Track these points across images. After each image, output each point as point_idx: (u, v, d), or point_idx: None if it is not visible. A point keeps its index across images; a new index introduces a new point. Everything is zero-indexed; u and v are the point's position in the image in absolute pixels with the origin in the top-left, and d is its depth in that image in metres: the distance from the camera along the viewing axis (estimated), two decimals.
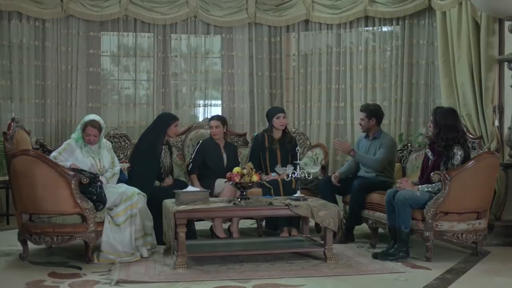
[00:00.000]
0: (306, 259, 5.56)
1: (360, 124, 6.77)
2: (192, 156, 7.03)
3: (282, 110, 7.12)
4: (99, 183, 5.54)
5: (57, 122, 8.36)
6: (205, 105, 8.90)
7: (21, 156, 5.49)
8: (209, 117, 8.09)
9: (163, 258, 5.61)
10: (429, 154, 5.83)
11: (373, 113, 6.68)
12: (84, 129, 5.76)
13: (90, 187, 5.47)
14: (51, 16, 8.22)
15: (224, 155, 7.03)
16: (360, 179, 6.57)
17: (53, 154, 5.74)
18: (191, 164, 6.98)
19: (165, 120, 6.65)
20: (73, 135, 5.86)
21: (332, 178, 6.63)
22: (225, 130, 7.16)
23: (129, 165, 6.51)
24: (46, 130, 8.26)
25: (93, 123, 5.77)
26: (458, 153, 5.61)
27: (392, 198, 5.65)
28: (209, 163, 6.96)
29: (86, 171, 5.58)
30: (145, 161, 6.36)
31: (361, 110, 6.80)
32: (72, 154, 5.71)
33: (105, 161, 5.87)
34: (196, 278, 4.96)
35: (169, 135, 6.63)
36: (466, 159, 5.64)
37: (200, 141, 7.14)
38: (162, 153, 6.52)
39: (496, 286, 4.84)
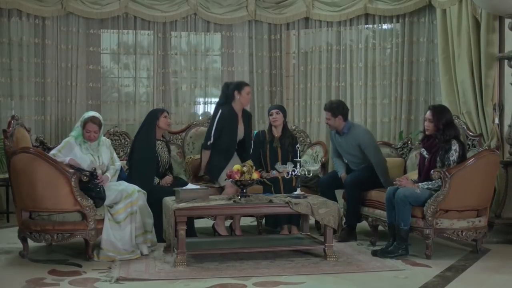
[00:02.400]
0: (306, 257, 5.57)
1: (328, 124, 6.73)
2: (214, 128, 6.64)
3: (275, 107, 7.14)
4: (97, 180, 5.53)
5: (57, 120, 8.36)
6: (205, 103, 8.91)
7: (21, 153, 5.48)
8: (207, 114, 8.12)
9: (163, 256, 5.61)
10: (424, 153, 5.84)
11: (338, 110, 6.62)
12: (84, 126, 5.75)
13: (88, 184, 5.47)
14: (51, 13, 8.22)
15: (241, 127, 6.75)
16: (352, 174, 6.56)
17: (53, 152, 5.73)
18: (212, 138, 6.63)
19: (153, 114, 6.67)
20: (72, 133, 5.85)
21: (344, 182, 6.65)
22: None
23: (127, 167, 6.49)
24: (46, 128, 8.27)
25: (93, 120, 5.77)
26: (453, 148, 5.61)
27: (392, 195, 5.65)
28: (224, 135, 6.65)
29: (83, 169, 5.56)
30: (142, 156, 6.38)
31: (325, 109, 6.72)
32: (71, 151, 5.71)
33: (104, 158, 5.87)
34: (196, 275, 4.96)
35: (161, 126, 6.60)
36: (462, 153, 5.64)
37: (220, 110, 6.71)
38: (159, 148, 6.54)
39: (496, 283, 4.84)
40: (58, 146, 5.84)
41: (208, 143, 6.65)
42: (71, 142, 5.75)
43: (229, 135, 6.65)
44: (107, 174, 5.77)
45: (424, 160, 5.81)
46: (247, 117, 6.88)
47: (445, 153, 5.63)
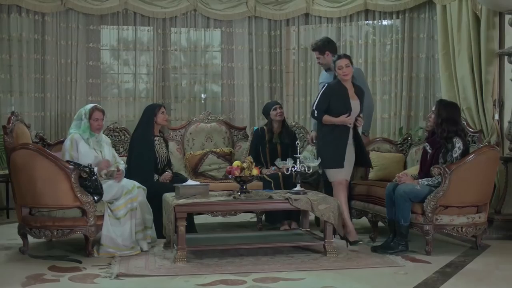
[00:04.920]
0: (306, 253, 5.57)
1: (320, 63, 6.74)
2: (316, 101, 6.07)
3: (277, 103, 7.16)
4: (94, 176, 5.53)
5: (57, 116, 8.36)
6: (205, 99, 8.90)
7: (20, 150, 5.48)
8: (208, 111, 8.10)
9: (163, 252, 5.61)
10: (428, 148, 5.83)
11: (325, 47, 6.61)
12: (91, 115, 5.76)
13: (85, 180, 5.47)
14: (50, 9, 8.22)
15: (356, 102, 6.05)
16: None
17: (67, 158, 5.62)
18: (315, 111, 6.04)
19: (151, 110, 6.62)
20: (74, 130, 5.78)
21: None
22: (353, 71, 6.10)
23: (126, 164, 6.47)
24: (45, 124, 8.27)
25: (98, 108, 5.85)
26: (457, 145, 5.60)
27: (392, 192, 5.64)
28: (333, 109, 6.00)
29: (81, 165, 5.55)
30: (140, 153, 6.37)
31: (313, 50, 6.76)
32: (77, 147, 5.69)
33: (106, 153, 5.87)
34: (196, 271, 4.95)
35: (159, 123, 6.57)
36: (465, 152, 5.64)
37: (326, 84, 6.16)
38: (157, 144, 6.52)
39: (495, 279, 4.84)
40: (67, 147, 5.69)
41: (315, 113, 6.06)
42: (75, 138, 5.72)
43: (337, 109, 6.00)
44: (121, 168, 5.85)
45: (427, 155, 5.81)
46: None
47: (447, 151, 5.63)
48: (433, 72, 8.29)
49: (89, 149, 5.73)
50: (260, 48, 8.88)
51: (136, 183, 5.81)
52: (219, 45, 8.95)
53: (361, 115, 6.13)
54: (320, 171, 6.91)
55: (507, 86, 6.79)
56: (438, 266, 5.13)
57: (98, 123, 5.79)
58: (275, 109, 6.97)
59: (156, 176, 6.45)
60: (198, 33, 8.79)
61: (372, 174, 6.86)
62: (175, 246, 5.36)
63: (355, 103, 6.03)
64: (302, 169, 5.74)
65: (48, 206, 5.48)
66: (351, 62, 6.06)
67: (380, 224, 6.20)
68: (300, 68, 8.86)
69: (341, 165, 6.00)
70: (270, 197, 5.55)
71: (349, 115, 5.95)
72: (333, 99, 6.00)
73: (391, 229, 5.70)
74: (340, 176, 6.04)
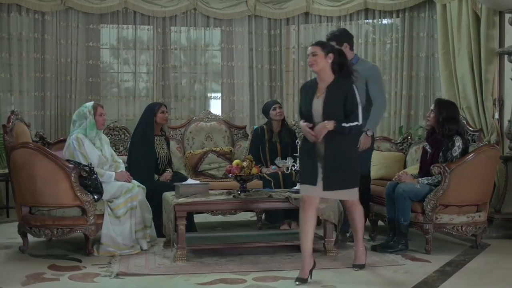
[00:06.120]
0: None
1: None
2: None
3: (276, 102, 7.15)
4: (94, 175, 5.52)
5: (57, 115, 8.35)
6: (205, 98, 8.90)
7: (20, 148, 5.49)
8: (208, 110, 8.10)
9: (163, 251, 5.61)
10: (427, 147, 5.83)
11: (343, 38, 5.71)
12: (95, 112, 5.77)
13: (85, 179, 5.47)
14: (50, 8, 8.21)
15: (320, 100, 4.67)
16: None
17: (80, 156, 5.59)
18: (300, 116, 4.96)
19: (151, 109, 6.60)
20: (78, 129, 5.73)
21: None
22: (331, 61, 4.65)
23: (127, 164, 6.46)
24: (45, 123, 8.26)
25: (99, 104, 5.90)
26: (456, 144, 5.61)
27: (392, 191, 5.65)
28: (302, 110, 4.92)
29: (81, 164, 5.55)
30: (140, 153, 6.36)
31: (329, 40, 5.62)
32: (83, 146, 5.68)
33: (107, 152, 5.88)
34: (196, 270, 4.96)
35: (159, 122, 6.57)
36: (464, 151, 5.64)
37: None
38: (157, 144, 6.51)
39: (495, 278, 4.85)
40: (75, 147, 5.62)
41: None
42: (80, 137, 5.68)
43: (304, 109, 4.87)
44: (121, 167, 5.94)
45: (427, 154, 5.81)
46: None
47: (447, 150, 5.63)
48: (433, 71, 8.28)
49: (94, 148, 5.73)
50: (260, 47, 8.88)
51: (136, 182, 5.82)
52: (219, 44, 8.94)
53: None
54: None
55: (507, 85, 6.79)
56: (438, 265, 5.13)
57: (103, 119, 5.84)
58: (275, 108, 6.97)
59: (156, 176, 6.45)
60: (198, 32, 8.78)
61: (372, 173, 6.83)
62: (175, 245, 5.36)
63: (317, 103, 4.69)
64: None
65: (48, 205, 5.48)
66: (330, 52, 4.66)
67: (380, 223, 6.20)
68: (300, 67, 8.84)
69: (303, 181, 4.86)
70: (270, 196, 5.55)
71: (313, 127, 4.65)
72: (301, 100, 4.91)
73: (391, 228, 5.70)
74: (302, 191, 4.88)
